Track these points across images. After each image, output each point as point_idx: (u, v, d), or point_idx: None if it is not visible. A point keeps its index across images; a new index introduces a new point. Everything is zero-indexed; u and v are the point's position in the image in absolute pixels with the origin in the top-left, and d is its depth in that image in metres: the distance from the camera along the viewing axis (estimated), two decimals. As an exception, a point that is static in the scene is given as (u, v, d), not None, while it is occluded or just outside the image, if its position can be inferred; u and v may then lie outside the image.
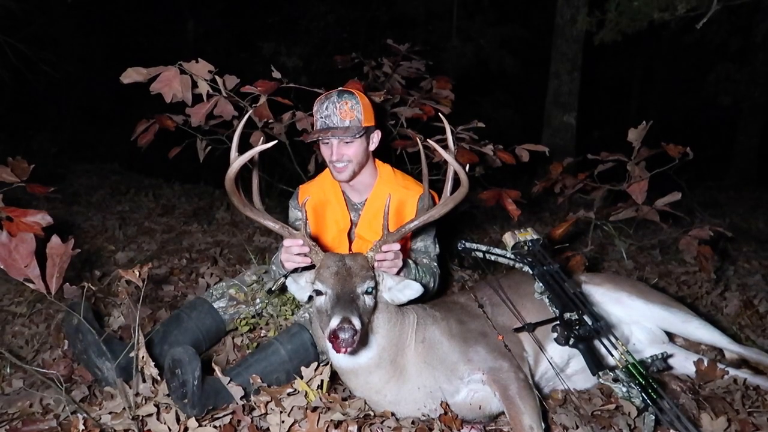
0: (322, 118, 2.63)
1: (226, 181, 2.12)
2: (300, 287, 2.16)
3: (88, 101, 12.93)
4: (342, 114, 2.58)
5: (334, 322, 1.83)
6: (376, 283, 2.13)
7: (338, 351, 1.83)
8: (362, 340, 2.01)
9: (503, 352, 2.16)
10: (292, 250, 2.22)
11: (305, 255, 2.21)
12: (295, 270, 2.28)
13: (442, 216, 2.26)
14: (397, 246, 2.22)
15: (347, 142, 2.61)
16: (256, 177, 2.28)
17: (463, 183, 2.19)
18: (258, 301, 2.86)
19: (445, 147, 2.26)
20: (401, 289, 2.14)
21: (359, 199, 2.82)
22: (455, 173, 2.21)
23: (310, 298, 2.13)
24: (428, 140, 2.28)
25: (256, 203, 2.26)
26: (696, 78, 12.97)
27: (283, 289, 2.60)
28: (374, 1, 12.06)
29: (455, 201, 2.23)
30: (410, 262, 2.53)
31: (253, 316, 2.86)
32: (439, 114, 2.48)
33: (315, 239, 2.29)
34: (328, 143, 2.64)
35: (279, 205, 6.24)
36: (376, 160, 2.85)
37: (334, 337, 1.81)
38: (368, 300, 2.05)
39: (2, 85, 8.75)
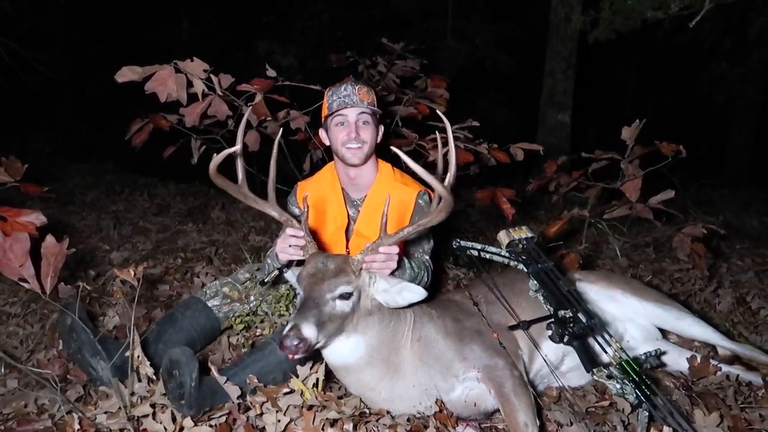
0: (340, 98, 2.66)
1: (211, 174, 2.13)
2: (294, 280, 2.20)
3: (82, 101, 12.89)
4: (361, 95, 2.65)
5: (287, 327, 1.84)
6: (359, 287, 2.06)
7: (286, 355, 1.84)
8: (309, 349, 1.88)
9: (498, 349, 2.17)
10: (291, 241, 2.23)
11: (300, 248, 2.22)
12: (291, 263, 2.30)
13: (440, 222, 2.16)
14: (394, 249, 2.19)
15: (365, 123, 2.67)
16: (273, 168, 2.28)
17: (445, 199, 2.05)
18: (252, 298, 2.86)
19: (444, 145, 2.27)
20: (398, 291, 2.07)
21: (358, 195, 2.83)
22: (419, 166, 2.03)
23: None
24: (406, 157, 2.18)
25: (270, 196, 2.26)
26: (690, 77, 13.04)
27: (276, 282, 2.61)
28: (369, 1, 12.05)
29: (449, 208, 2.10)
30: (405, 261, 2.51)
31: (248, 314, 2.86)
32: (437, 112, 2.49)
33: (313, 234, 2.28)
34: (344, 124, 2.67)
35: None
36: (378, 158, 2.87)
37: (280, 342, 1.82)
38: (340, 305, 1.99)
39: (-4, 84, 8.72)
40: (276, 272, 2.31)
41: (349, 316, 2.04)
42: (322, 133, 2.87)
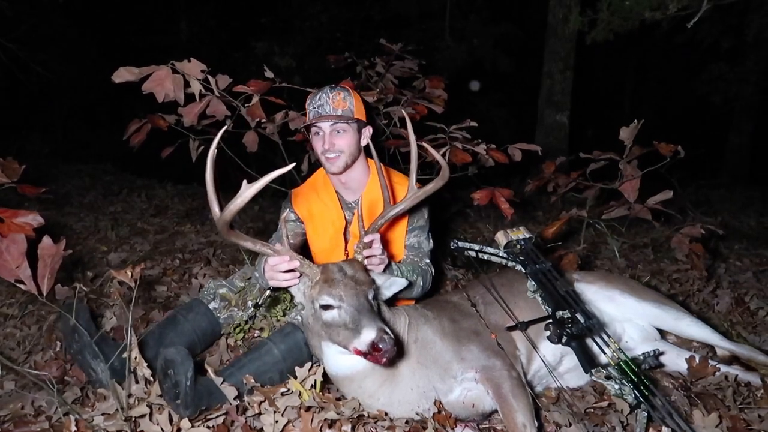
0: (314, 108, 2.66)
1: (221, 225, 1.97)
2: (303, 296, 2.15)
3: (80, 101, 12.87)
4: (335, 104, 2.63)
5: (371, 334, 1.84)
6: (376, 286, 2.15)
7: (379, 362, 1.86)
8: (400, 347, 2.01)
9: (496, 350, 2.17)
10: (280, 268, 2.09)
11: (293, 270, 2.10)
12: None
13: (410, 207, 2.33)
14: (376, 236, 2.26)
15: (339, 132, 2.65)
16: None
17: (443, 171, 2.30)
18: (250, 304, 2.84)
19: (435, 146, 2.30)
20: (388, 286, 2.21)
21: (353, 197, 2.83)
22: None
23: None
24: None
25: (238, 234, 2.09)
26: (688, 77, 13.04)
27: (273, 301, 2.59)
28: (368, 1, 12.05)
29: (425, 194, 2.30)
30: (392, 263, 2.53)
31: (246, 321, 2.85)
32: (403, 112, 2.52)
33: (309, 246, 2.25)
34: (320, 134, 2.66)
35: (272, 205, 6.24)
36: (368, 159, 2.86)
37: (375, 349, 1.82)
38: (375, 305, 2.07)
39: (-6, 85, 8.72)
40: (268, 293, 2.27)
41: None
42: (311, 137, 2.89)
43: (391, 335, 1.83)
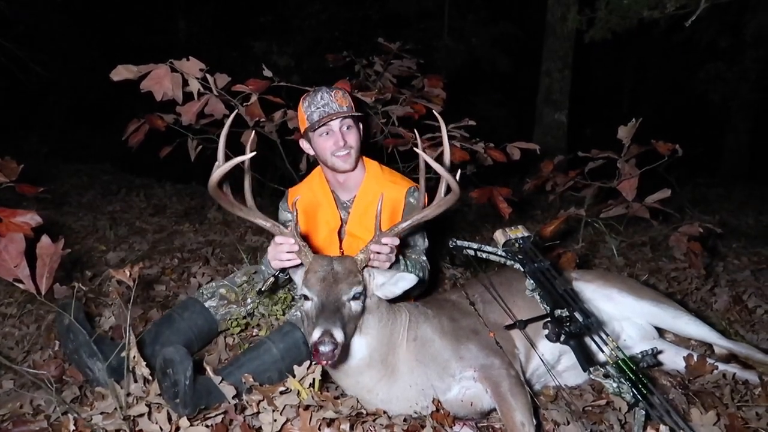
0: (318, 108, 2.64)
1: (210, 188, 2.11)
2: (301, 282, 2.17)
3: (79, 101, 12.83)
4: (338, 101, 2.64)
5: (316, 335, 1.82)
6: (364, 287, 2.10)
7: (319, 363, 1.86)
8: (344, 352, 1.98)
9: (495, 349, 2.17)
10: (283, 248, 2.17)
11: (294, 254, 2.17)
12: (283, 270, 2.27)
13: (435, 217, 2.25)
14: (396, 240, 2.22)
15: (349, 127, 2.67)
16: (248, 175, 2.26)
17: (454, 189, 2.18)
18: (249, 301, 2.85)
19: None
20: (395, 282, 2.13)
21: (348, 196, 2.84)
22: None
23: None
24: (422, 152, 2.27)
25: (248, 202, 2.23)
26: (686, 76, 13.06)
27: (273, 289, 2.59)
28: (366, 0, 12.05)
29: (448, 204, 2.23)
30: (400, 257, 2.53)
31: (245, 317, 2.85)
32: (434, 112, 2.52)
33: (306, 239, 2.28)
34: (329, 133, 2.66)
35: (271, 204, 6.22)
36: (363, 156, 2.86)
37: (314, 350, 1.81)
38: (355, 306, 2.02)
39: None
40: (272, 279, 2.29)
41: (360, 317, 2.07)
42: (303, 143, 2.86)
43: (336, 342, 1.80)
